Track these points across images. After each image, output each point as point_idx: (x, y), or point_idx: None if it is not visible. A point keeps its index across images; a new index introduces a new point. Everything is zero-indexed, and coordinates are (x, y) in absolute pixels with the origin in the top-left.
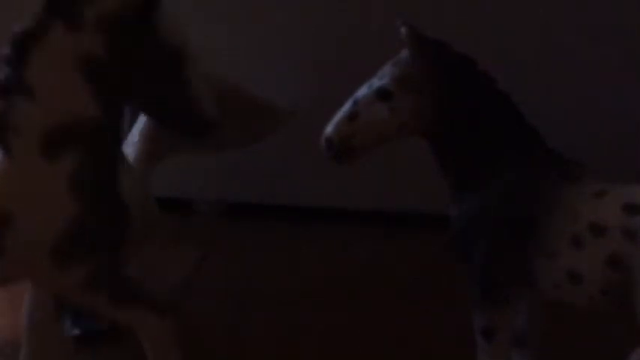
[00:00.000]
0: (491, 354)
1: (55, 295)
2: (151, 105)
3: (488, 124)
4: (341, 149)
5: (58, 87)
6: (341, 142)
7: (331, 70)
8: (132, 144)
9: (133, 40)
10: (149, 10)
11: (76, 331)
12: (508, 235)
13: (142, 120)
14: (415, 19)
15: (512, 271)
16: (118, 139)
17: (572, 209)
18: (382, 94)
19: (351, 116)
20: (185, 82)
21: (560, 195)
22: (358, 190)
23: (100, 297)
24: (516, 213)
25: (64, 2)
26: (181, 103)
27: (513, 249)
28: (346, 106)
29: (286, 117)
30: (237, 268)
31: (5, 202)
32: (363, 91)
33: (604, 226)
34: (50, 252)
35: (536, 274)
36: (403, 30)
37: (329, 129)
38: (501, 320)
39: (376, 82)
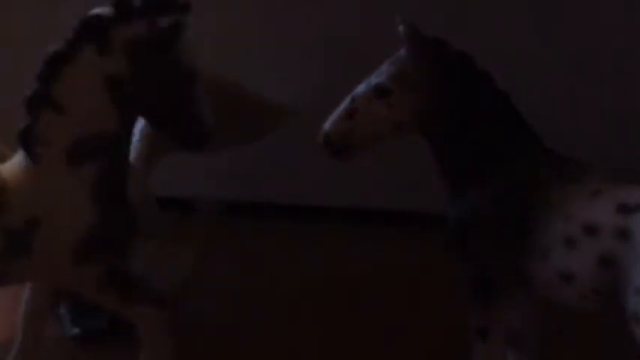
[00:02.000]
0: (485, 353)
1: (73, 291)
2: (162, 119)
3: (486, 124)
4: (339, 146)
5: (85, 103)
6: (339, 139)
7: (331, 69)
8: (133, 144)
9: (154, 63)
10: (173, 37)
11: (76, 331)
12: (503, 235)
13: (142, 120)
14: (415, 18)
15: (507, 271)
16: (129, 149)
17: (566, 209)
18: (380, 92)
19: (349, 113)
20: (194, 98)
21: (556, 195)
22: (358, 190)
23: (111, 294)
24: (511, 213)
25: (96, 27)
26: (189, 117)
27: (508, 248)
28: (344, 104)
29: (287, 116)
30: (237, 267)
31: (33, 208)
32: (361, 89)
33: (597, 226)
34: (72, 253)
35: (530, 273)
36: (401, 28)
37: (327, 126)
38: (496, 320)
39: (374, 79)
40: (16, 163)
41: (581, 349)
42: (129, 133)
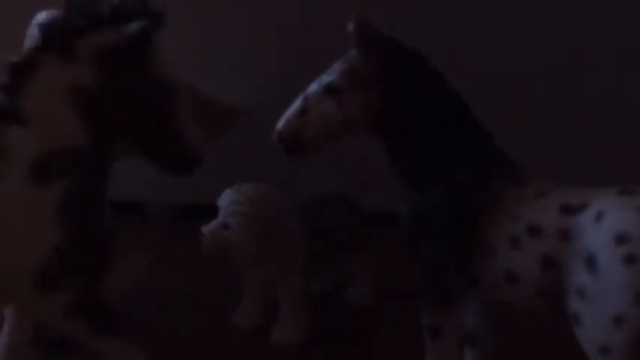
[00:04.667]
0: (438, 352)
1: (35, 321)
2: (137, 138)
3: (438, 124)
4: (292, 144)
5: (51, 116)
6: (290, 136)
7: (286, 68)
8: None
9: (124, 75)
10: (141, 47)
11: None
12: (451, 235)
13: None
14: (377, 18)
15: (458, 271)
16: (106, 170)
17: (512, 210)
18: (330, 90)
19: (301, 111)
20: (173, 118)
21: (503, 195)
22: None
23: (79, 324)
24: (459, 212)
25: (60, 36)
26: (168, 138)
27: (459, 249)
28: (297, 102)
29: (239, 116)
30: (189, 272)
31: None
32: (313, 87)
33: (540, 227)
34: (33, 277)
35: (478, 273)
36: (351, 26)
37: (280, 124)
38: (447, 319)
39: (325, 78)
40: None
41: (537, 349)
42: (102, 153)
